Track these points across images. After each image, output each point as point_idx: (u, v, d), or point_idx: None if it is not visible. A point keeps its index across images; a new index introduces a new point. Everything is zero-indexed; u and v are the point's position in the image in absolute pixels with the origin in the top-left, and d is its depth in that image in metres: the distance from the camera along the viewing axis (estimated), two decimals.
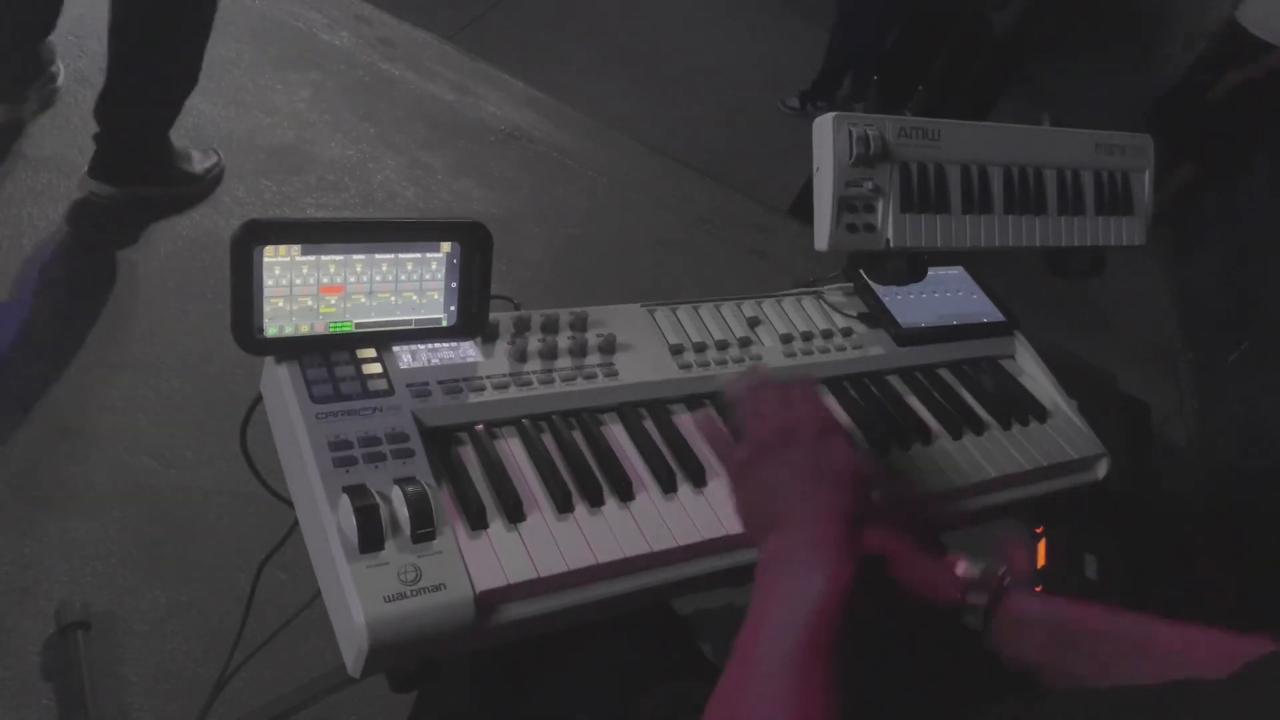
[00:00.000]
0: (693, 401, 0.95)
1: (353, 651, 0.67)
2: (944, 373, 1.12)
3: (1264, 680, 0.51)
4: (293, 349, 0.79)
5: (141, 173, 2.00)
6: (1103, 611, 0.74)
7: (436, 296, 0.85)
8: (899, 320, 1.11)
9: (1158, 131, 1.24)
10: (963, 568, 0.77)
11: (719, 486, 0.86)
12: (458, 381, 0.84)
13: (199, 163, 2.13)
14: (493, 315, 0.89)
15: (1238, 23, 3.21)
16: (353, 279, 0.80)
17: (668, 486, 0.84)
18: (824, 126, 0.94)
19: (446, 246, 0.84)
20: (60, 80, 2.19)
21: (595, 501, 0.81)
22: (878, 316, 1.11)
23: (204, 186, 2.14)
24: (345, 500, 0.69)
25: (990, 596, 0.75)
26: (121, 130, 1.90)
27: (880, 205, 0.97)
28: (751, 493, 0.74)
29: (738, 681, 0.61)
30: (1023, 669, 0.75)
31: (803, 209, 2.95)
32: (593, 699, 0.84)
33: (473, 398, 0.84)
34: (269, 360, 0.80)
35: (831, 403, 1.02)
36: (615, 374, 0.91)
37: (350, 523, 0.69)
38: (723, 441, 0.83)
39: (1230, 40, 3.25)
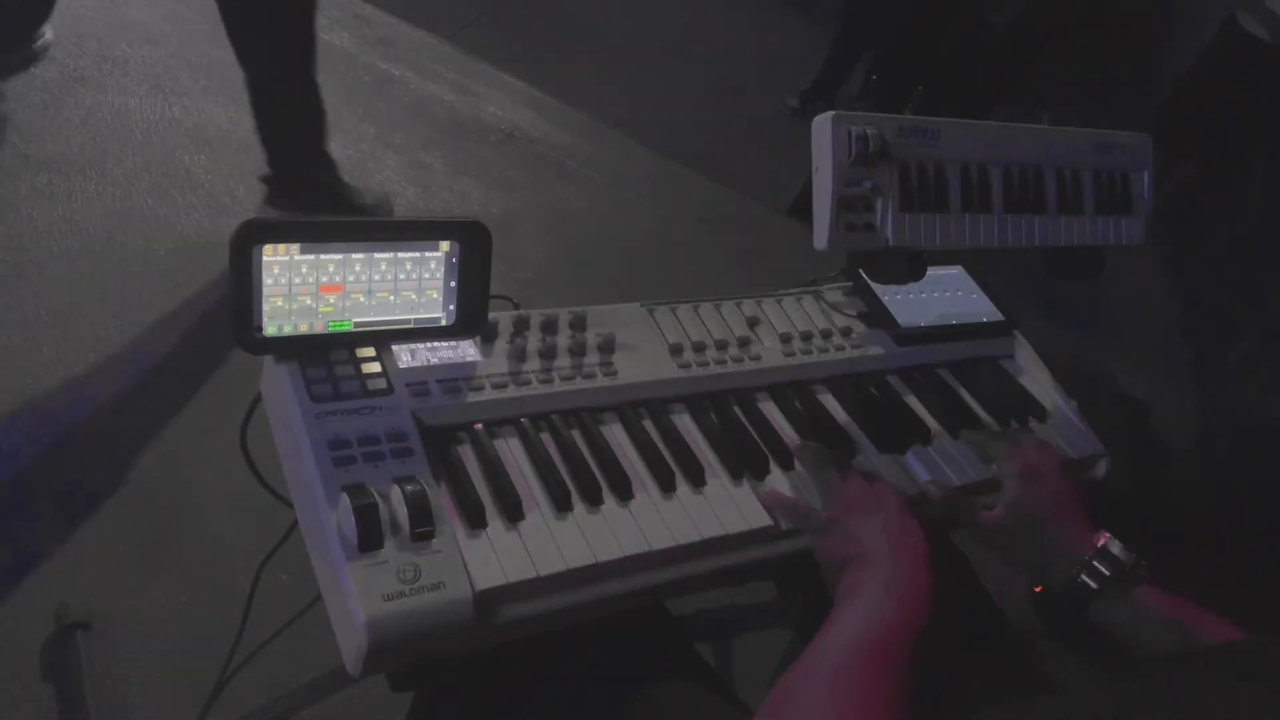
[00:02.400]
0: (692, 401, 0.95)
1: (352, 650, 0.67)
2: (943, 372, 1.12)
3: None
4: (292, 348, 0.79)
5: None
6: (1222, 623, 0.78)
7: (435, 296, 0.85)
8: (898, 320, 1.11)
9: (1160, 133, 1.23)
10: (1105, 538, 0.85)
11: (718, 486, 0.87)
12: (457, 381, 0.84)
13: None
14: (492, 315, 0.89)
15: (1238, 24, 3.17)
16: (351, 278, 0.80)
17: (667, 486, 0.84)
18: (823, 126, 0.93)
19: (445, 245, 0.84)
20: (48, 37, 2.18)
21: (594, 501, 0.81)
22: (877, 316, 1.11)
23: None
24: (344, 499, 0.69)
25: (1116, 572, 0.81)
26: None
27: (879, 204, 0.97)
28: (836, 541, 0.81)
29: (804, 670, 0.68)
30: (1120, 652, 0.81)
31: (802, 209, 2.95)
32: (590, 698, 0.84)
33: (472, 397, 0.84)
34: (268, 359, 0.80)
35: (830, 402, 1.02)
36: (614, 374, 0.91)
37: (349, 522, 0.69)
38: (794, 507, 0.85)
39: (1231, 41, 3.22)
